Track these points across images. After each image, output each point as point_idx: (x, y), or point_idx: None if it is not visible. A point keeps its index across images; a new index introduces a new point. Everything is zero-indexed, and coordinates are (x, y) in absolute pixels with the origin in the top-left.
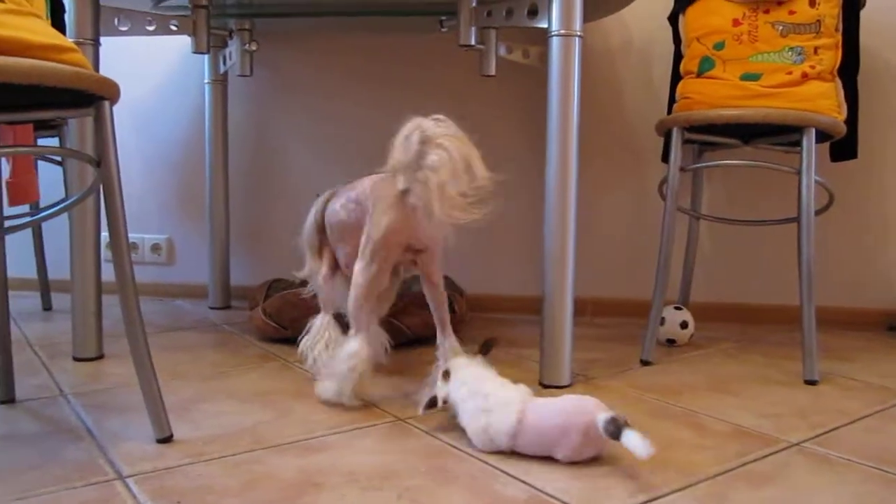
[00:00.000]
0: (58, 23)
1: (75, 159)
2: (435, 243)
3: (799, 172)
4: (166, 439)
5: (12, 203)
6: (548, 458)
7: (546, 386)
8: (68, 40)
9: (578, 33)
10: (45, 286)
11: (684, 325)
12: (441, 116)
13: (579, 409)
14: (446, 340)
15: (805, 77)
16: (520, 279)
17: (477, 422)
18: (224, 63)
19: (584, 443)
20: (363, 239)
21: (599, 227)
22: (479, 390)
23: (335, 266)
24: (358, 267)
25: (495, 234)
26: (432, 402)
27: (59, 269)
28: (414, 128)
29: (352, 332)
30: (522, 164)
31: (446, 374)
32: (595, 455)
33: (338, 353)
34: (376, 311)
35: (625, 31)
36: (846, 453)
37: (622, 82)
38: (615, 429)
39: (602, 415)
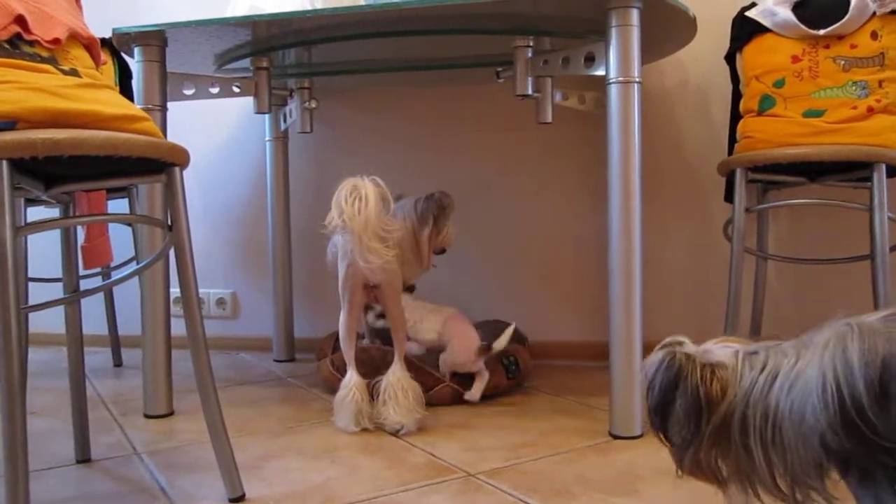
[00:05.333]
0: (125, 89)
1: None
2: (385, 280)
3: (870, 209)
4: (238, 499)
5: (87, 266)
6: None
7: (616, 437)
8: (139, 109)
9: (637, 79)
10: (115, 343)
11: None
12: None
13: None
14: (395, 367)
15: (871, 111)
16: (584, 325)
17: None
18: (284, 121)
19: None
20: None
21: (663, 270)
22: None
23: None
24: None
25: (557, 279)
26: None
27: (128, 324)
28: (340, 188)
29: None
30: (582, 208)
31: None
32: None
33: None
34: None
35: (681, 71)
36: None
37: (680, 123)
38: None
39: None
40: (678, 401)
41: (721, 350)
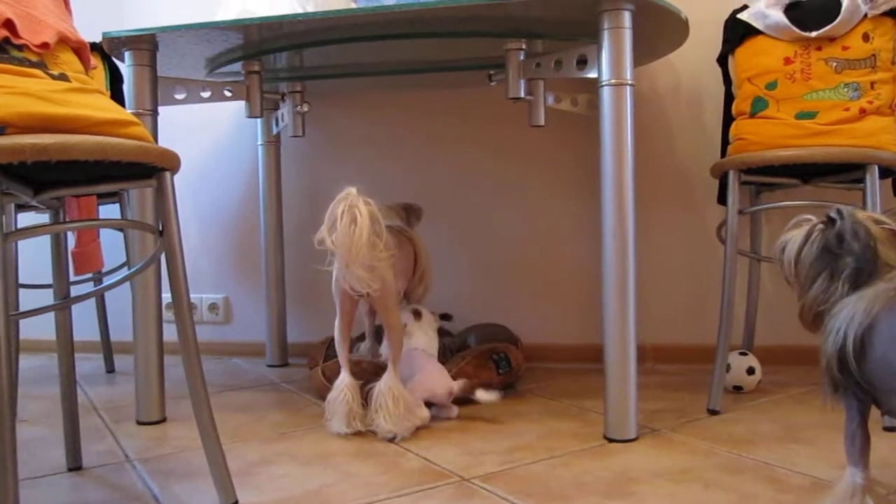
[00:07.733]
0: (116, 93)
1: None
2: (374, 291)
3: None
4: None
5: (78, 272)
6: None
7: (611, 440)
8: (130, 114)
9: (630, 82)
10: (107, 349)
11: (751, 370)
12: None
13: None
14: (388, 376)
15: (863, 113)
16: (578, 327)
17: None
18: (276, 125)
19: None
20: None
21: (656, 272)
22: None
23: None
24: None
25: (551, 281)
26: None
27: (120, 331)
28: (335, 202)
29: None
30: (575, 210)
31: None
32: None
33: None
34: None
35: (673, 73)
36: None
37: (672, 125)
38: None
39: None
40: (856, 231)
41: None
